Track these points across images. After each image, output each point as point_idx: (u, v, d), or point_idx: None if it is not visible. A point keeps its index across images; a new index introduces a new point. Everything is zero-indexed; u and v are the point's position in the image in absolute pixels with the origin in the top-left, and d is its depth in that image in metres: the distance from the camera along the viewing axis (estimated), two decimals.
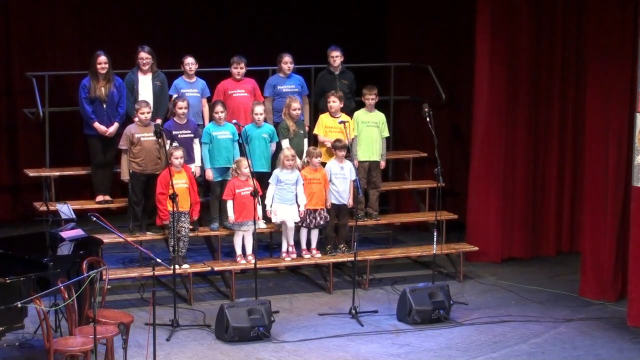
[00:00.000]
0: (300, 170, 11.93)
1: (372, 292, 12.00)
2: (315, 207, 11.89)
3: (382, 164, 12.70)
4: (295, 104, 12.13)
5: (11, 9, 13.89)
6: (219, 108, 11.84)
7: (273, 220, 11.81)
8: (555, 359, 10.05)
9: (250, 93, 12.43)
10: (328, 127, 12.36)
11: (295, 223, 11.83)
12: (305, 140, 12.31)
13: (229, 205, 11.54)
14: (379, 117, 12.65)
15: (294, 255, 11.92)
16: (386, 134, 12.72)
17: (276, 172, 11.79)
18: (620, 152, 11.54)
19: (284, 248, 11.91)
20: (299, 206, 11.78)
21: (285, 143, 12.10)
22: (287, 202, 11.75)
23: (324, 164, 12.11)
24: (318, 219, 11.91)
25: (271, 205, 11.72)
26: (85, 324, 9.14)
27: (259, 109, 11.96)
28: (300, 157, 12.07)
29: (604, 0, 11.45)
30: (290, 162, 11.71)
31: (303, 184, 11.80)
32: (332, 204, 12.05)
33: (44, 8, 14.11)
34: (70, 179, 12.89)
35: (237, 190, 11.50)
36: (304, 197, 11.79)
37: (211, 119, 12.08)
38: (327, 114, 12.44)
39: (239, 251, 11.69)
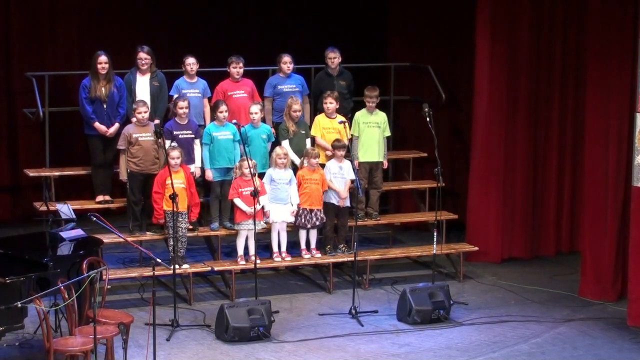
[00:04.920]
0: (298, 171, 11.95)
1: (372, 292, 12.01)
2: (312, 207, 11.89)
3: (385, 164, 12.70)
4: (296, 106, 12.12)
5: (11, 9, 13.89)
6: (223, 107, 11.84)
7: (265, 220, 11.79)
8: (555, 359, 10.05)
9: (249, 94, 12.43)
10: (325, 128, 12.36)
11: (289, 223, 11.83)
12: (308, 140, 12.29)
13: (237, 201, 11.53)
14: (381, 117, 12.64)
15: (288, 258, 11.91)
16: (387, 133, 12.71)
17: (269, 171, 11.78)
18: (620, 152, 11.54)
19: (275, 249, 11.88)
20: (292, 206, 11.78)
21: (285, 144, 12.10)
22: (280, 201, 11.74)
23: (322, 165, 12.13)
24: (314, 219, 11.91)
25: (263, 206, 11.70)
26: (85, 324, 9.14)
27: (254, 108, 11.96)
28: (301, 157, 12.08)
29: (604, 1, 11.45)
30: (282, 161, 11.70)
31: (300, 184, 11.81)
32: (332, 204, 12.05)
33: (44, 8, 14.11)
34: (70, 179, 12.89)
35: (240, 190, 11.52)
36: (297, 196, 11.79)
37: (212, 118, 12.08)
38: (323, 114, 12.43)
39: (240, 252, 11.69)
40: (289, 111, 12.15)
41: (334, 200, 12.05)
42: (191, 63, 12.23)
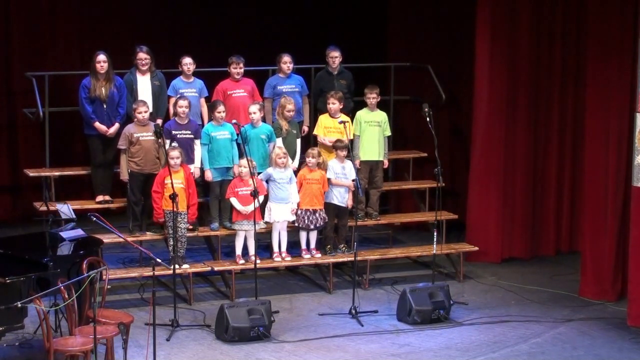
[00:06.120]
0: (299, 171, 11.95)
1: (372, 292, 12.01)
2: (315, 207, 11.89)
3: (386, 163, 12.70)
4: (290, 106, 12.12)
5: (11, 9, 13.90)
6: (221, 107, 11.84)
7: (266, 219, 11.79)
8: (555, 359, 10.05)
9: (250, 93, 12.43)
10: (327, 127, 12.36)
11: (291, 223, 11.82)
12: (299, 140, 12.29)
13: (233, 200, 11.54)
14: (381, 116, 12.65)
15: (288, 258, 11.92)
16: (388, 132, 12.72)
17: (269, 170, 11.78)
18: (620, 152, 11.54)
19: (275, 249, 11.89)
20: (292, 204, 11.78)
21: (278, 142, 12.10)
22: (281, 201, 11.74)
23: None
24: (319, 219, 11.91)
25: (260, 204, 11.69)
26: (85, 324, 9.14)
27: (253, 108, 11.95)
28: (292, 157, 12.07)
29: (604, 1, 11.45)
30: (282, 160, 11.71)
31: (301, 185, 11.82)
32: (334, 205, 12.05)
33: (44, 8, 14.11)
34: (70, 179, 12.89)
35: (236, 189, 11.53)
36: (297, 195, 11.79)
37: (210, 118, 12.08)
38: (326, 114, 12.43)
39: (239, 251, 11.69)
40: (282, 111, 12.15)
41: (335, 200, 12.05)
42: (188, 63, 12.23)
